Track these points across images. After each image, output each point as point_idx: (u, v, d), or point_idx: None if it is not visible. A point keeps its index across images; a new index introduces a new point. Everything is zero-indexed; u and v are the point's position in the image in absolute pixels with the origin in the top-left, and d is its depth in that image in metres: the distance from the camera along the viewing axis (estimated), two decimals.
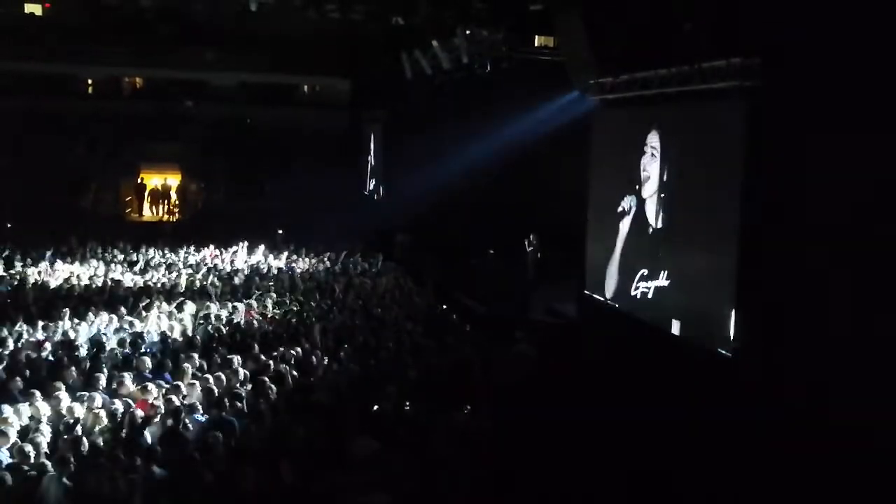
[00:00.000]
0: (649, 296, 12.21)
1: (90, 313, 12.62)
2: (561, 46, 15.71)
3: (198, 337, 11.96)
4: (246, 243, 20.11)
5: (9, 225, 22.42)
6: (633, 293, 12.73)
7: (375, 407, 9.10)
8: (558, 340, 14.11)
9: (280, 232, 22.81)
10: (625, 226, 13.08)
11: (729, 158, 10.11)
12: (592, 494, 7.75)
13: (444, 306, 15.19)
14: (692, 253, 11.18)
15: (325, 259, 19.43)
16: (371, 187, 28.07)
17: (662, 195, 11.97)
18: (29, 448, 7.36)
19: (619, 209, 13.26)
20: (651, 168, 12.28)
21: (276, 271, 17.87)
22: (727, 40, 10.21)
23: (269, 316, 13.68)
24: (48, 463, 7.20)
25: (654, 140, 12.25)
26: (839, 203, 8.40)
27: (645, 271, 12.36)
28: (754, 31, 9.72)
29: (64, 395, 8.79)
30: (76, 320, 12.31)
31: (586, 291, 14.50)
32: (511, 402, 9.74)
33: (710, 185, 10.70)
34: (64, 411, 8.44)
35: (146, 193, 28.82)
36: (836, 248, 8.39)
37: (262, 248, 20.08)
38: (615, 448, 8.70)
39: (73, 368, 9.89)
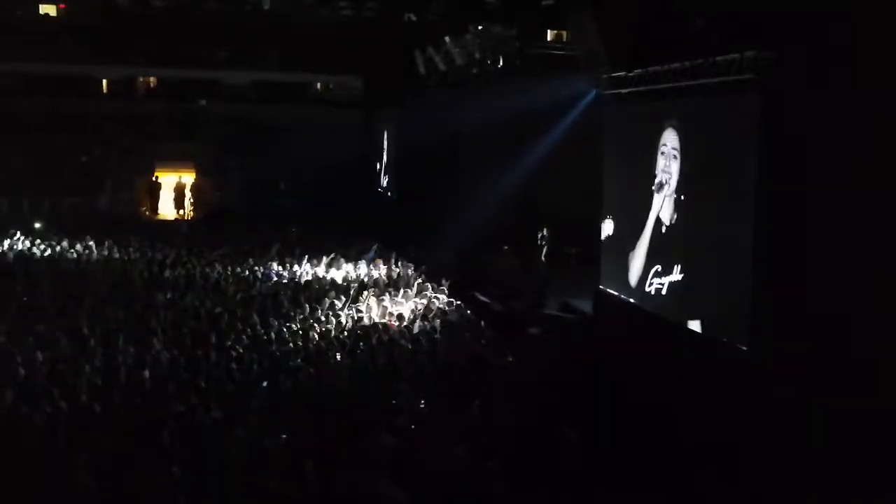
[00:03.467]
0: (663, 292, 12.17)
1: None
2: (573, 41, 15.69)
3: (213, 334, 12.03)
4: None
5: (37, 225, 22.64)
6: (647, 289, 12.69)
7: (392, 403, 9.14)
8: (573, 335, 14.13)
9: (294, 230, 22.87)
10: (639, 220, 13.03)
11: (743, 152, 10.04)
12: (607, 488, 7.75)
13: (460, 303, 15.21)
14: (707, 248, 11.13)
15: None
16: (384, 184, 28.12)
17: (676, 189, 11.92)
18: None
19: (633, 204, 13.21)
20: (664, 162, 12.23)
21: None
22: (740, 33, 10.15)
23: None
24: None
25: (667, 134, 12.18)
26: (857, 196, 8.34)
27: (658, 267, 12.34)
28: (768, 24, 9.66)
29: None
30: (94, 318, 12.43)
31: (601, 286, 14.46)
32: (527, 396, 9.74)
33: (724, 178, 10.64)
34: None
35: (160, 190, 28.97)
36: (852, 242, 8.33)
37: (275, 246, 20.08)
38: (631, 441, 8.70)
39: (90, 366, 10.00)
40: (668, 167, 12.12)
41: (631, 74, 13.05)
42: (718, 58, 10.55)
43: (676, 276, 11.82)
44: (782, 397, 8.89)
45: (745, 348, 10.05)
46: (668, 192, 12.14)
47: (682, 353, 11.30)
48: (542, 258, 18.42)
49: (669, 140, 12.10)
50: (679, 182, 11.85)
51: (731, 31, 10.43)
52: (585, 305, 15.12)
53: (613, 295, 13.92)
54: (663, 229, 12.26)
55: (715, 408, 9.55)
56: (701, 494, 8.02)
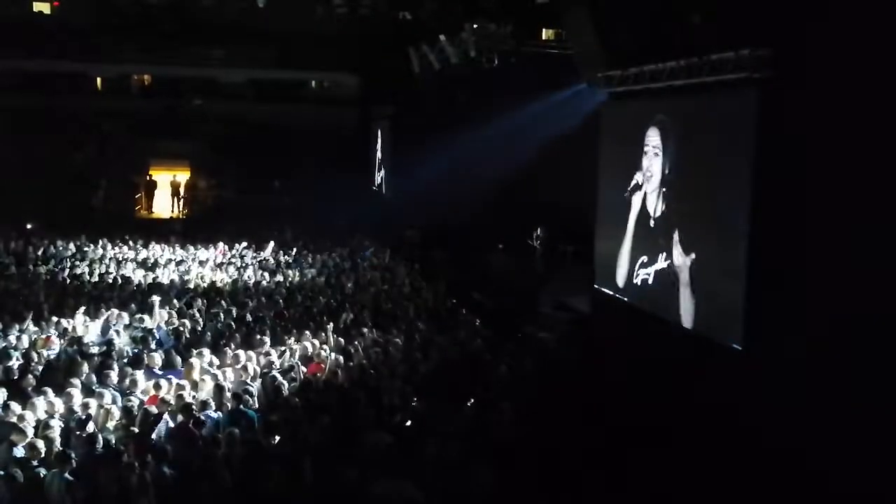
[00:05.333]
0: (649, 282, 12.21)
1: (101, 310, 12.65)
2: (569, 39, 15.67)
3: (208, 333, 11.99)
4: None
5: (29, 225, 22.55)
6: (635, 280, 12.76)
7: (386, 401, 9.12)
8: (568, 334, 14.14)
9: (282, 232, 22.79)
10: (634, 219, 13.04)
11: (739, 149, 10.05)
12: (603, 485, 7.75)
13: (454, 301, 15.19)
14: (702, 246, 11.13)
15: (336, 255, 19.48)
16: (379, 183, 28.09)
17: (671, 187, 11.93)
18: (41, 444, 7.40)
19: (628, 201, 13.22)
20: (660, 160, 12.24)
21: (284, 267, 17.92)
22: (736, 31, 10.15)
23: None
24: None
25: (663, 132, 12.20)
26: (851, 194, 8.35)
27: (644, 258, 12.42)
28: (763, 22, 9.66)
29: (76, 392, 8.85)
30: (87, 317, 12.35)
31: (596, 285, 14.47)
32: (523, 396, 9.73)
33: (720, 176, 10.64)
34: (76, 408, 8.48)
35: (155, 188, 28.89)
36: (847, 241, 8.34)
37: (271, 244, 20.09)
38: (626, 441, 8.70)
39: (86, 365, 9.93)
40: (660, 160, 12.14)
41: (626, 73, 13.04)
42: (714, 56, 10.56)
43: (662, 263, 11.86)
44: (776, 397, 8.91)
45: (739, 347, 10.06)
46: (661, 187, 12.16)
47: (675, 352, 11.32)
48: (538, 257, 18.43)
49: (663, 134, 12.12)
50: (672, 176, 11.86)
51: (727, 30, 10.44)
52: (581, 304, 15.14)
53: (608, 294, 13.93)
54: (659, 223, 12.27)
55: (707, 407, 9.55)
56: (694, 493, 8.03)
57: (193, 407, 8.43)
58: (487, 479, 7.46)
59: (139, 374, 9.60)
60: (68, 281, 15.61)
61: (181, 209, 28.83)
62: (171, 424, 8.28)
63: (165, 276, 16.52)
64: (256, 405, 8.95)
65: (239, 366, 10.05)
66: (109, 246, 19.27)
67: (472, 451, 7.75)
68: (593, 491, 7.68)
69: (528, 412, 9.10)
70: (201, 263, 18.09)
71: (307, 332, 11.76)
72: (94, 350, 10.87)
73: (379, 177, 28.08)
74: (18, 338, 11.10)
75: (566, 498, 7.57)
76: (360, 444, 7.88)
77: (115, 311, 12.50)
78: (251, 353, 10.65)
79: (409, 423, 8.54)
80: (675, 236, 11.67)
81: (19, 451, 7.40)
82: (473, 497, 7.33)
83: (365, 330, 12.32)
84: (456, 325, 13.19)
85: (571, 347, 13.34)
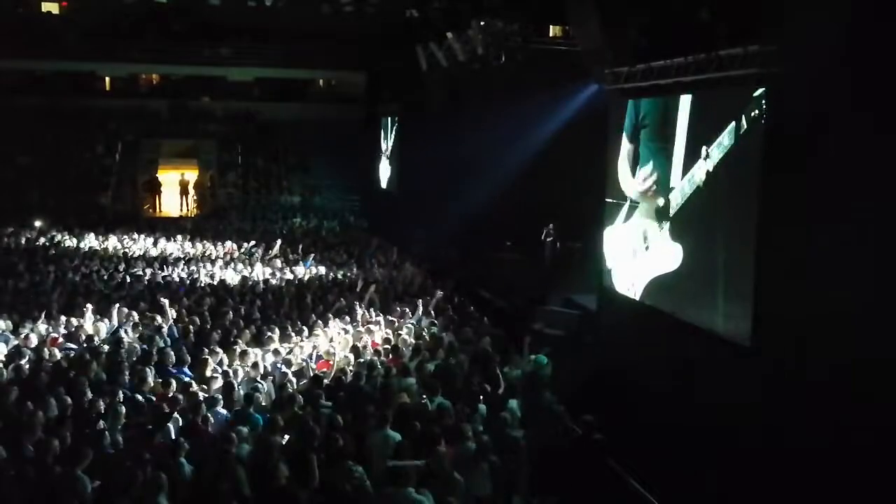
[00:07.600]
0: (665, 286, 12.16)
1: (112, 309, 12.70)
2: (576, 36, 15.63)
3: (217, 331, 12.01)
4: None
5: (38, 223, 22.71)
6: (647, 283, 12.70)
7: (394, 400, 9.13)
8: (577, 330, 14.14)
9: (298, 226, 22.89)
10: (640, 216, 13.01)
11: (748, 146, 10.03)
12: (609, 483, 7.77)
13: (462, 298, 15.19)
14: (709, 243, 11.11)
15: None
16: (387, 180, 28.13)
17: (679, 184, 11.90)
18: (54, 442, 7.44)
19: (635, 199, 13.19)
20: (668, 157, 12.20)
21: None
22: (744, 28, 10.12)
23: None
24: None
25: (670, 127, 12.15)
26: (857, 191, 8.32)
27: (661, 261, 12.33)
28: (771, 18, 9.63)
29: (86, 389, 8.90)
30: (97, 316, 12.40)
31: (603, 282, 14.44)
32: (529, 394, 9.74)
33: (727, 173, 10.62)
34: (87, 405, 8.53)
35: (160, 187, 28.99)
36: (855, 238, 8.31)
37: (278, 242, 20.11)
38: (632, 437, 8.71)
39: (95, 364, 9.97)
40: (670, 160, 12.10)
41: (634, 69, 13.01)
42: (722, 52, 10.53)
43: (679, 270, 11.81)
44: (784, 393, 8.90)
45: (747, 345, 10.04)
46: (668, 185, 12.12)
47: (684, 349, 11.30)
48: (547, 253, 18.41)
49: (674, 133, 12.07)
50: (680, 174, 11.83)
51: (735, 25, 10.41)
52: (589, 301, 15.11)
53: (615, 291, 13.90)
54: (666, 221, 12.24)
55: (717, 403, 9.54)
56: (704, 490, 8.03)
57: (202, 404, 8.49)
58: (494, 477, 7.49)
59: (149, 373, 9.65)
60: (78, 279, 15.69)
61: (190, 207, 28.92)
62: (181, 422, 8.32)
63: (175, 274, 16.59)
64: (264, 403, 8.99)
65: (249, 363, 10.10)
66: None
67: (480, 450, 7.77)
68: (597, 489, 7.68)
69: (535, 409, 9.12)
70: (211, 261, 18.15)
71: (317, 330, 11.83)
72: (104, 348, 10.91)
73: (386, 174, 28.11)
74: (27, 337, 11.16)
75: (571, 496, 7.58)
76: (368, 442, 7.91)
77: (125, 310, 12.56)
78: (259, 350, 10.72)
79: (417, 421, 8.55)
80: (689, 234, 11.65)
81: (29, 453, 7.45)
82: (476, 496, 7.37)
83: (374, 328, 12.35)
84: (464, 322, 13.19)
85: (579, 344, 13.34)
